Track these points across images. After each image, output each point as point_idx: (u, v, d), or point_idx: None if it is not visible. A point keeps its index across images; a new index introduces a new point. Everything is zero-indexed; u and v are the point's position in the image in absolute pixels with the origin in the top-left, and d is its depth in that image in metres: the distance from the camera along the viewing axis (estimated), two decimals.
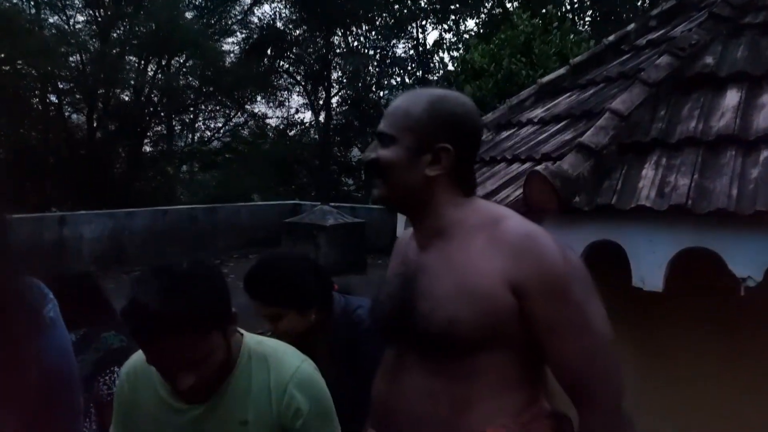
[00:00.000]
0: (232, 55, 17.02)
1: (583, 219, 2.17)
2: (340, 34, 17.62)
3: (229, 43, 17.20)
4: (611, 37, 3.56)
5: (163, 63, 15.39)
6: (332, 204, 9.11)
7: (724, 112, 2.25)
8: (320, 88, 17.88)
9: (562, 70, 3.62)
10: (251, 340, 1.27)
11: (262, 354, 1.24)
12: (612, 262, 2.14)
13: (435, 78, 16.73)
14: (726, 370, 2.35)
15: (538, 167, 2.28)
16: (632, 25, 3.52)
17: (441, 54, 17.43)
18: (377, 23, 17.48)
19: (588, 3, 15.41)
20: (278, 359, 1.23)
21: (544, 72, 6.09)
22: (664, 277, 2.01)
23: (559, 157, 2.51)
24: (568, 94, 3.34)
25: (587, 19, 15.52)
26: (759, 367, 2.26)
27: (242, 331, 1.28)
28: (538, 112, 3.35)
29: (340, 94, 18.11)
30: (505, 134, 3.41)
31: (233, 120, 17.66)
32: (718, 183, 1.99)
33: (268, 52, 17.44)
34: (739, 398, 2.30)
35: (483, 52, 7.16)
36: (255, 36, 17.20)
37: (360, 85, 16.93)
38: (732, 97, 2.31)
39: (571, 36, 7.91)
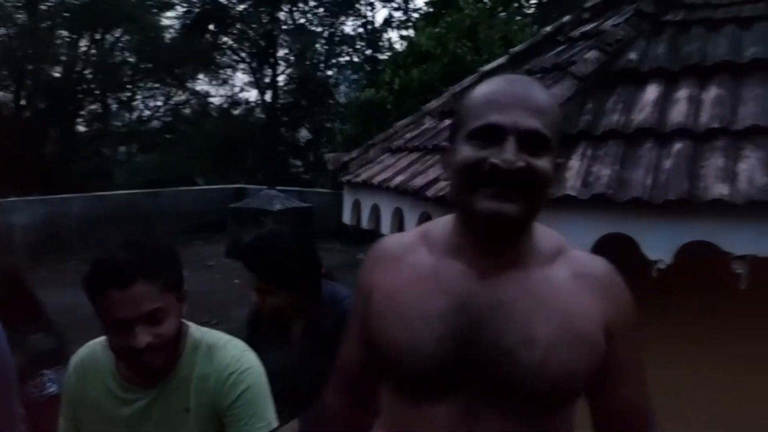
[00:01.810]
0: (171, 30, 16.40)
1: None
2: (286, 10, 17.23)
3: (168, 17, 16.55)
4: (548, 28, 3.72)
5: (97, 37, 14.65)
6: (279, 188, 9.06)
7: (644, 106, 2.43)
8: (266, 66, 17.50)
9: (502, 60, 3.76)
10: (196, 330, 1.32)
11: (206, 344, 1.29)
12: None
13: (384, 57, 16.71)
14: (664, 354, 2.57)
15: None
16: (567, 17, 3.68)
17: (390, 33, 17.40)
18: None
19: None
20: (221, 349, 1.28)
21: (490, 57, 6.25)
22: None
23: None
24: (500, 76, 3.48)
25: (533, 1, 15.81)
26: (702, 351, 2.41)
27: (188, 322, 1.33)
28: None
29: (287, 72, 17.79)
30: (448, 122, 3.52)
31: (174, 98, 17.08)
32: (636, 173, 2.16)
33: (210, 27, 16.88)
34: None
35: (429, 36, 7.26)
36: (196, 10, 16.59)
37: (308, 63, 16.68)
38: (651, 92, 2.49)
39: (517, 19, 8.10)
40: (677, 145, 2.21)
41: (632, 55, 2.68)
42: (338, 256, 8.43)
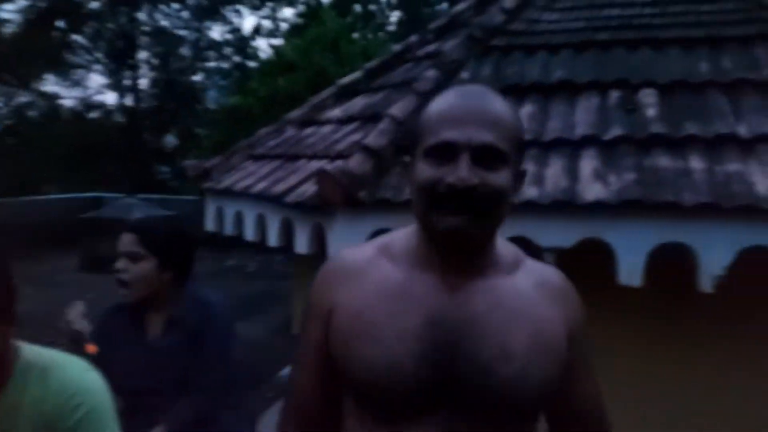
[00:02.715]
0: (12, 24, 14.75)
1: (368, 212, 2.52)
2: (146, 11, 16.32)
3: (7, 10, 14.87)
4: (398, 46, 4.02)
5: None
6: (141, 196, 8.56)
7: None
8: (125, 69, 16.41)
9: (357, 74, 4.00)
10: (29, 352, 1.20)
11: (40, 366, 1.18)
12: None
13: (254, 65, 16.49)
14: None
15: (328, 166, 2.58)
16: (414, 37, 4.02)
17: (260, 41, 17.21)
18: (188, 2, 16.58)
19: (395, 3, 16.48)
20: (58, 369, 1.18)
21: (352, 70, 6.52)
22: None
23: (350, 156, 2.85)
24: (362, 97, 3.72)
25: (394, 19, 16.60)
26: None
27: (22, 343, 1.21)
28: (337, 112, 3.67)
29: (150, 75, 16.83)
30: (308, 131, 3.68)
31: (16, 99, 15.35)
32: None
33: (59, 24, 15.46)
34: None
35: (295, 47, 7.38)
36: (42, 4, 15.10)
37: (174, 67, 15.94)
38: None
39: (375, 35, 8.50)
40: None
41: (464, 74, 3.03)
42: (207, 265, 8.20)
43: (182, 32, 16.63)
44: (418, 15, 15.52)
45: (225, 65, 16.45)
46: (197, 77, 16.63)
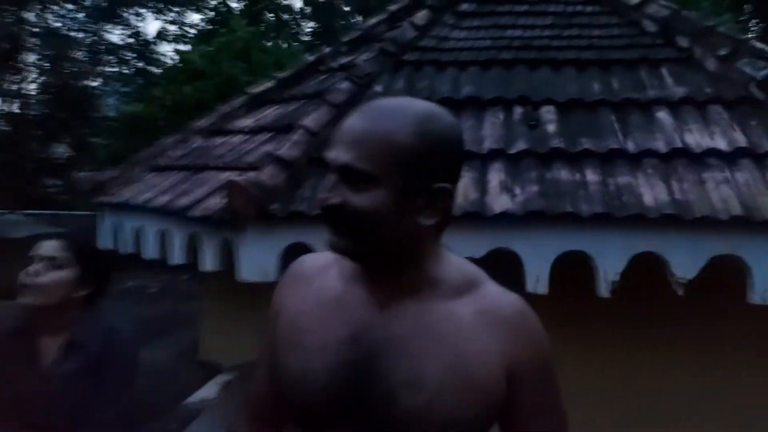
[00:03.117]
0: None
1: (280, 225, 2.45)
2: (36, 11, 15.07)
3: None
4: (311, 57, 3.99)
5: None
6: (26, 212, 7.80)
7: None
8: (10, 72, 15.00)
9: (269, 83, 3.91)
10: None
11: None
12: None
13: (158, 71, 15.72)
14: None
15: (238, 177, 2.49)
16: (328, 49, 4.01)
17: (166, 46, 16.48)
18: (84, 3, 15.53)
19: (309, 14, 16.47)
20: None
21: (264, 79, 6.41)
22: None
23: (262, 167, 2.76)
24: (274, 107, 3.64)
25: (308, 29, 16.57)
26: None
27: None
28: (248, 122, 3.57)
29: (39, 80, 15.51)
30: (217, 141, 3.53)
31: None
32: None
33: None
34: None
35: (202, 54, 7.12)
36: None
37: (67, 71, 14.79)
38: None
39: (287, 45, 8.42)
40: None
41: (378, 88, 3.06)
42: None
43: (77, 34, 15.52)
44: (331, 26, 15.60)
45: (126, 70, 15.53)
46: (94, 82, 15.56)
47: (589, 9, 3.58)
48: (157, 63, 16.05)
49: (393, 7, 4.21)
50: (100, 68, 15.42)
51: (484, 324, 0.87)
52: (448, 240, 2.41)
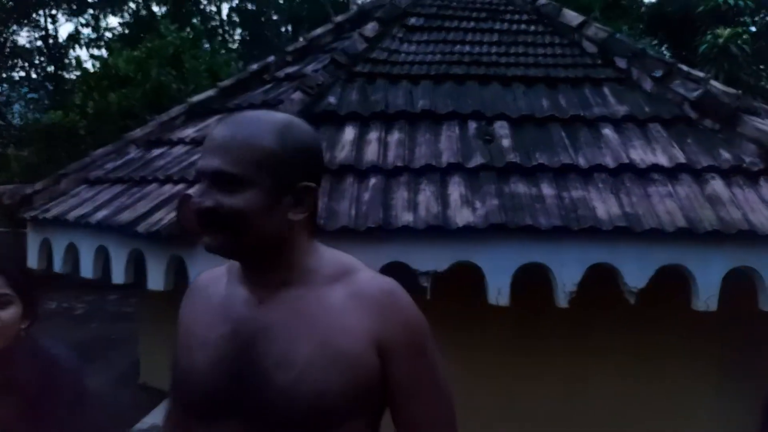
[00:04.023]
0: None
1: None
2: None
3: None
4: (255, 66, 3.88)
5: None
6: None
7: (344, 145, 2.75)
8: None
9: (211, 92, 3.76)
10: None
11: None
12: None
13: (71, 77, 14.73)
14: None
15: (191, 190, 2.34)
16: (272, 58, 3.91)
17: (78, 50, 15.48)
18: None
19: (238, 21, 16.07)
20: None
21: (196, 87, 6.14)
22: None
23: None
24: (218, 117, 3.49)
25: (237, 37, 16.17)
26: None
27: None
28: (189, 132, 3.39)
29: None
30: (156, 152, 3.33)
31: None
32: (342, 204, 2.43)
33: None
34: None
35: (128, 59, 6.72)
36: None
37: None
38: (349, 133, 2.84)
39: (222, 52, 8.14)
40: (373, 180, 2.56)
41: (331, 99, 3.01)
42: None
43: None
44: (261, 35, 15.31)
45: (34, 75, 14.44)
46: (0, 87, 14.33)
47: (532, 28, 3.72)
48: (69, 68, 15.06)
49: (338, 18, 4.19)
50: (6, 73, 14.22)
51: (354, 305, 0.94)
52: (411, 253, 2.37)
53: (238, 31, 16.34)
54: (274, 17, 16.99)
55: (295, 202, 0.93)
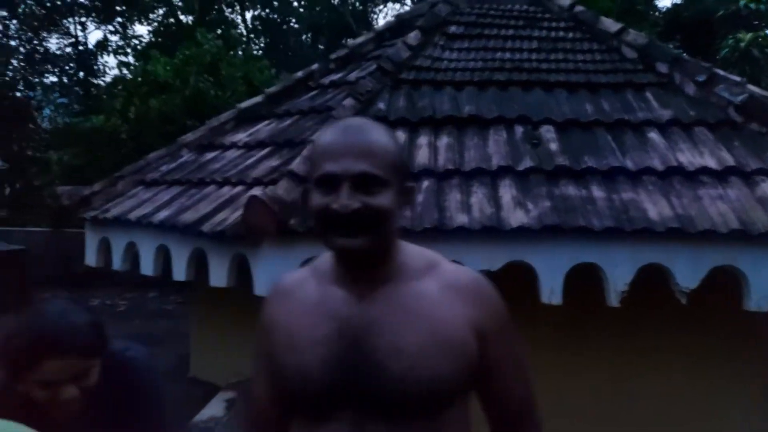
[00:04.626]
0: None
1: (299, 239, 2.43)
2: None
3: None
4: (299, 73, 4.00)
5: None
6: None
7: None
8: None
9: (258, 98, 3.88)
10: None
11: None
12: None
13: (102, 82, 15.10)
14: None
15: (257, 192, 2.45)
16: (316, 65, 4.02)
17: (106, 57, 15.85)
18: (20, 11, 14.73)
19: (260, 28, 16.34)
20: None
21: (233, 93, 6.31)
22: None
23: (271, 182, 2.73)
24: (266, 122, 3.61)
25: (261, 44, 16.42)
26: None
27: None
28: (240, 137, 3.51)
29: None
30: (209, 156, 3.46)
31: None
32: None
33: None
34: None
35: (167, 66, 6.92)
36: None
37: (1, 80, 13.94)
38: (400, 138, 2.93)
39: (255, 61, 8.32)
40: (425, 183, 2.65)
41: (381, 105, 3.11)
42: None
43: (12, 42, 14.68)
44: (283, 43, 15.54)
45: (66, 81, 14.80)
46: (30, 92, 14.71)
47: (570, 35, 3.79)
48: (98, 74, 15.42)
49: (379, 27, 4.30)
50: (37, 78, 14.61)
51: (449, 295, 1.01)
52: (465, 253, 2.45)
53: (261, 38, 16.59)
54: (295, 26, 17.24)
55: (406, 201, 1.01)
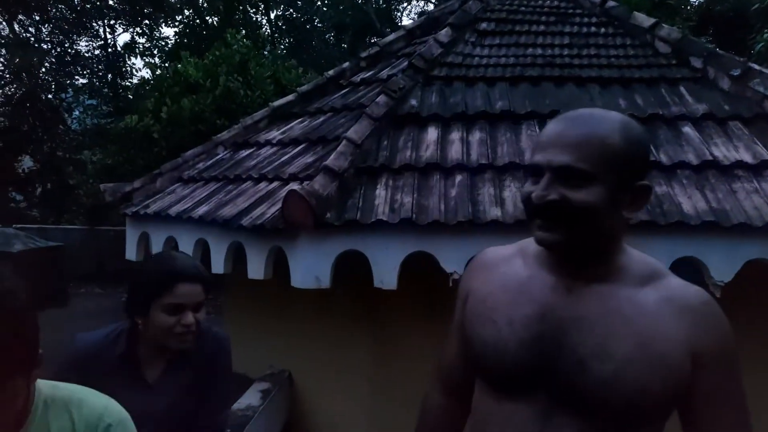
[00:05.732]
0: None
1: (334, 233, 2.50)
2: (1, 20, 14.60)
3: None
4: (331, 72, 4.06)
5: None
6: (17, 225, 7.47)
7: (428, 145, 2.89)
8: None
9: (291, 97, 3.96)
10: (45, 386, 1.15)
11: (60, 400, 1.14)
12: (354, 268, 2.53)
13: (129, 84, 15.45)
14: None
15: (295, 187, 2.52)
16: (347, 64, 4.09)
17: (134, 58, 16.21)
18: (52, 14, 15.14)
19: (284, 28, 16.53)
20: (80, 402, 1.16)
21: (262, 93, 6.42)
22: (397, 278, 2.48)
23: (306, 177, 2.80)
24: (299, 120, 3.69)
25: (285, 44, 16.61)
26: None
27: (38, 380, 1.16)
28: (274, 134, 3.59)
29: (4, 91, 14.97)
30: (244, 153, 3.55)
31: None
32: (431, 200, 2.56)
33: None
34: None
35: (197, 67, 7.08)
36: None
37: (33, 82, 14.34)
38: (432, 133, 2.98)
39: (283, 60, 8.45)
40: (458, 177, 2.69)
41: (413, 102, 3.15)
42: (99, 301, 7.38)
43: (44, 45, 15.10)
44: (307, 42, 15.69)
45: (96, 82, 15.17)
46: (61, 94, 15.12)
47: (602, 30, 3.78)
48: (125, 75, 15.77)
49: (409, 25, 4.35)
50: (69, 80, 15.00)
51: (668, 310, 0.95)
52: (498, 245, 2.47)
53: (285, 38, 16.79)
54: (319, 25, 17.38)
55: (631, 200, 0.96)
